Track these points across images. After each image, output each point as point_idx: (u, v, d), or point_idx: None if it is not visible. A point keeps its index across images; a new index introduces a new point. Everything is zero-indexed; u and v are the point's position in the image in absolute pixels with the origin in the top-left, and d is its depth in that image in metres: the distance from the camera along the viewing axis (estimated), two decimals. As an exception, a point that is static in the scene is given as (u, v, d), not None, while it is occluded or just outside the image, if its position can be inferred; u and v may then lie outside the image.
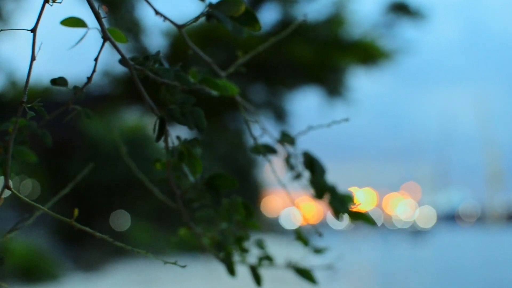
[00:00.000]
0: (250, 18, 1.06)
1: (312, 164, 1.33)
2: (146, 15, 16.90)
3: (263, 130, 1.34)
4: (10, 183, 1.03)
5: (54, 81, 1.06)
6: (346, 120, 1.34)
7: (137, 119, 17.03)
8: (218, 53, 17.21)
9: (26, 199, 1.05)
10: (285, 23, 16.57)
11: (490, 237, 49.46)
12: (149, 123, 17.61)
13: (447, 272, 17.43)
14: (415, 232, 54.15)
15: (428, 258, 23.55)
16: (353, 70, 19.42)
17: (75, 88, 1.06)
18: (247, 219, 1.30)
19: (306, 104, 22.21)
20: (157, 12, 1.14)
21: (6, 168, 1.03)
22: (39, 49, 1.02)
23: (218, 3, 1.06)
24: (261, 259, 1.40)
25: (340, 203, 1.33)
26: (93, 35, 1.12)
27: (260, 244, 1.43)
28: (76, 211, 0.99)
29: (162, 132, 1.08)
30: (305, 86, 18.94)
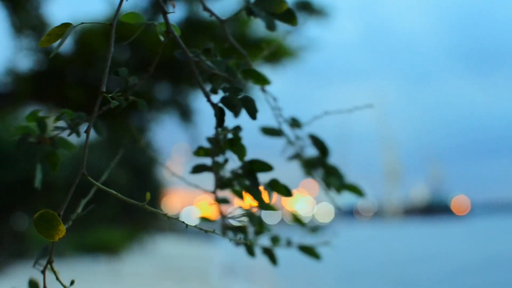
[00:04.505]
0: (290, 15, 1.18)
1: (321, 145, 1.47)
2: (51, 13, 16.51)
3: (279, 114, 1.44)
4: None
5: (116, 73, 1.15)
6: (370, 106, 1.49)
7: (39, 117, 16.54)
8: (124, 51, 17.04)
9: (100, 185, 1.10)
10: (190, 20, 16.48)
11: (387, 230, 51.11)
12: (52, 121, 17.13)
13: (344, 263, 17.84)
14: (314, 227, 55.42)
15: (326, 252, 24.01)
16: (258, 67, 19.48)
17: None
18: (287, 199, 1.39)
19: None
20: (205, 8, 1.25)
21: (84, 154, 1.09)
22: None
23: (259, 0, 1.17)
24: (274, 240, 1.49)
25: (336, 179, 1.49)
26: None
27: (267, 228, 1.49)
28: (148, 195, 1.04)
29: (223, 119, 1.19)
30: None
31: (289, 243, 1.50)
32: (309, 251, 1.52)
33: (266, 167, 1.29)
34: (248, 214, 1.41)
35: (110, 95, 1.09)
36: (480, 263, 17.21)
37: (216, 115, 1.18)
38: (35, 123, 1.26)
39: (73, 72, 18.43)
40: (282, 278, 14.88)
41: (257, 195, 1.32)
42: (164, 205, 29.72)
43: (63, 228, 1.02)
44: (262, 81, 1.34)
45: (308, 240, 1.53)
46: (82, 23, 1.14)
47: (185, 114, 19.82)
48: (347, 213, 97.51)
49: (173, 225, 41.11)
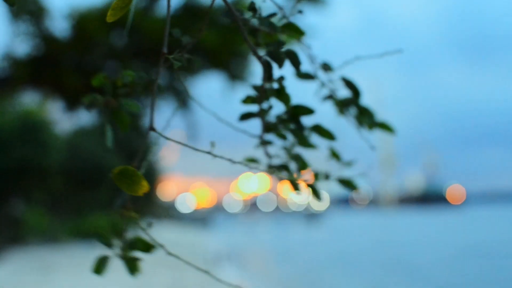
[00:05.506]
0: None
1: (352, 86, 1.56)
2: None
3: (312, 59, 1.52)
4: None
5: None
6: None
7: (35, 103, 16.52)
8: (121, 37, 17.01)
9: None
10: (187, 7, 16.43)
11: (382, 219, 51.21)
12: (48, 107, 17.12)
13: (338, 252, 17.87)
14: (309, 214, 55.63)
15: (322, 239, 24.05)
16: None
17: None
18: (330, 141, 1.55)
19: (208, 89, 22.17)
20: None
21: (152, 108, 1.20)
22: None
23: None
24: (316, 175, 1.57)
25: (367, 117, 1.59)
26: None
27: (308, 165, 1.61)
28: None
29: (271, 72, 1.32)
30: (208, 71, 18.89)
31: (327, 177, 1.59)
32: (347, 183, 1.62)
33: (308, 111, 1.44)
34: (291, 153, 1.55)
35: (171, 55, 1.19)
36: (473, 251, 17.28)
37: (264, 67, 1.30)
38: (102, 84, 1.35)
39: (70, 57, 18.38)
40: (276, 265, 14.91)
41: (301, 136, 1.49)
42: (160, 191, 29.73)
43: (146, 184, 1.00)
44: (298, 32, 1.44)
45: (346, 172, 1.61)
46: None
47: (182, 101, 19.83)
48: (342, 202, 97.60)
49: (168, 211, 41.10)
